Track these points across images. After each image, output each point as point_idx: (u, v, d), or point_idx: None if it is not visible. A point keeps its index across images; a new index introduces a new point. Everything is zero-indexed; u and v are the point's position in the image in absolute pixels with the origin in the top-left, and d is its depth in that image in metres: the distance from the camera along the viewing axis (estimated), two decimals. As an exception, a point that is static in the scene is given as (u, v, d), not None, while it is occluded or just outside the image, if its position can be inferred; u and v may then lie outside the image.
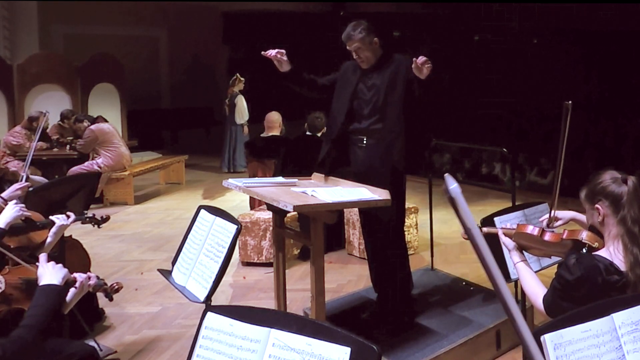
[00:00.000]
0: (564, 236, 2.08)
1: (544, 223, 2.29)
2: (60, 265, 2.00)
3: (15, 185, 3.42)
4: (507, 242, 2.24)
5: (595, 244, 2.00)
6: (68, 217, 2.91)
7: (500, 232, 2.29)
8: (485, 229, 2.46)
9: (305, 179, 3.57)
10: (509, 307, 0.89)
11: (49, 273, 1.95)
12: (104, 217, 3.39)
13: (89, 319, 3.67)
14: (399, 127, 3.38)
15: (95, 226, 3.37)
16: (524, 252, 2.23)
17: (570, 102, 2.14)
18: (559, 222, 2.33)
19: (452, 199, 0.86)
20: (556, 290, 1.94)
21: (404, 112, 3.38)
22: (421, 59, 3.09)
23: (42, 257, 2.04)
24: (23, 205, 2.72)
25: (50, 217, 2.88)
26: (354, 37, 3.41)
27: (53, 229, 2.83)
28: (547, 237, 2.11)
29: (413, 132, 3.43)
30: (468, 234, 0.87)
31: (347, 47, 3.47)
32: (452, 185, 0.85)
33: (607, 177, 1.99)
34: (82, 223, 3.35)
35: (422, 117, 3.55)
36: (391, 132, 3.38)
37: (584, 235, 2.03)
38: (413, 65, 3.11)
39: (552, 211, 2.21)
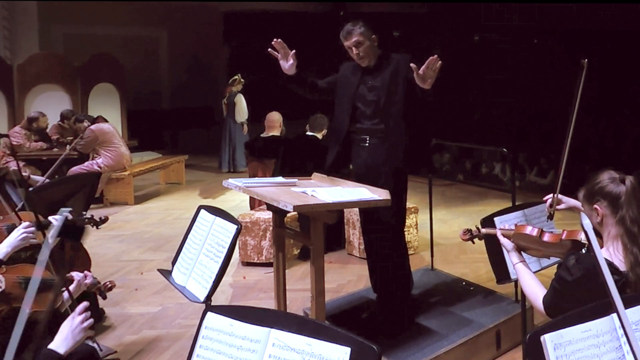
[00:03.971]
0: (563, 237, 2.08)
1: (548, 202, 2.32)
2: (79, 331, 1.85)
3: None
4: (505, 243, 2.25)
5: (595, 244, 2.00)
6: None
7: (499, 233, 2.29)
8: (484, 230, 2.46)
9: (305, 179, 3.57)
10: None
11: (63, 338, 1.84)
12: (103, 218, 3.37)
13: (89, 319, 3.66)
14: (402, 126, 3.39)
15: (94, 227, 3.37)
16: (522, 253, 2.24)
17: (586, 60, 2.12)
18: (562, 206, 2.36)
19: None
20: (556, 291, 1.94)
21: (405, 111, 3.38)
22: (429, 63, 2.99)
23: (81, 306, 1.88)
24: (32, 229, 2.50)
25: (49, 218, 2.87)
26: (355, 31, 3.38)
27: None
28: (546, 237, 2.11)
29: (415, 131, 3.44)
30: None
31: (346, 44, 3.42)
32: None
33: (605, 177, 1.98)
34: (81, 224, 3.34)
35: (423, 115, 3.53)
36: (395, 132, 3.38)
37: (583, 236, 2.03)
38: (414, 75, 3.07)
39: (556, 194, 2.19)
